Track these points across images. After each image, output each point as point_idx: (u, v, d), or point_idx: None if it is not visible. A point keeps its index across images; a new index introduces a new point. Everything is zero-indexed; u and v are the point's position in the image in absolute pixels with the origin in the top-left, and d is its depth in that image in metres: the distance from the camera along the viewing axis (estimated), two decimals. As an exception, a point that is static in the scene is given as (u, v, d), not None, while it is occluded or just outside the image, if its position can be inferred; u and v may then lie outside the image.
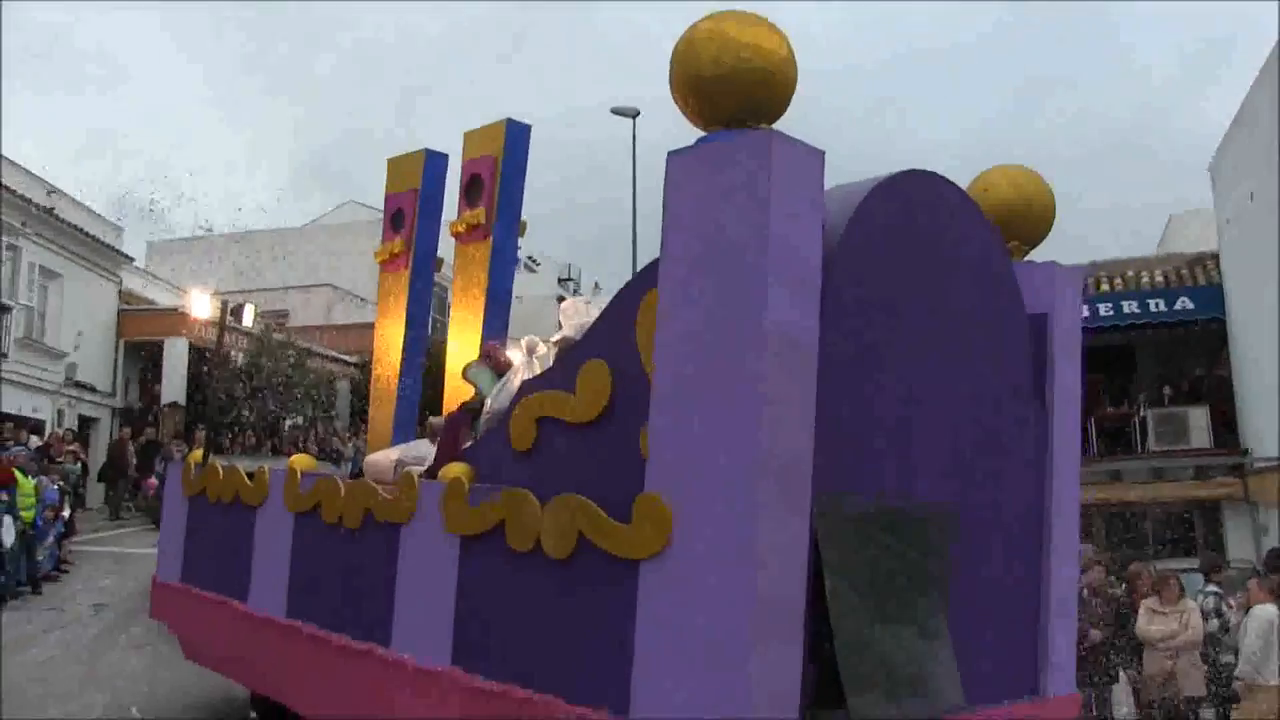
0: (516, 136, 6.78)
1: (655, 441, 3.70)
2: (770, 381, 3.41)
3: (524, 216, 6.99)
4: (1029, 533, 4.79)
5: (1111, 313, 17.59)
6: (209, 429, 12.11)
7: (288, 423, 20.05)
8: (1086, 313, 18.14)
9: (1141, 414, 17.77)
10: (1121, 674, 8.38)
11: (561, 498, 4.06)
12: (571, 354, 4.60)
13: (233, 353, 19.75)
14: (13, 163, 18.47)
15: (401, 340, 7.49)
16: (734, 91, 3.70)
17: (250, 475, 6.56)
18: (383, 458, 6.84)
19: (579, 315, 5.05)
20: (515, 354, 5.91)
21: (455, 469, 4.87)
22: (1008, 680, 4.63)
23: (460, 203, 7.03)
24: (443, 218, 7.64)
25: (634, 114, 19.50)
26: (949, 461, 4.30)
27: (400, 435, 7.45)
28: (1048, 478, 4.85)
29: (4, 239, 16.87)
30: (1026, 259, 5.26)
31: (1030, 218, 5.16)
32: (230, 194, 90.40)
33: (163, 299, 22.75)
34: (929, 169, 4.39)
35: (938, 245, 4.32)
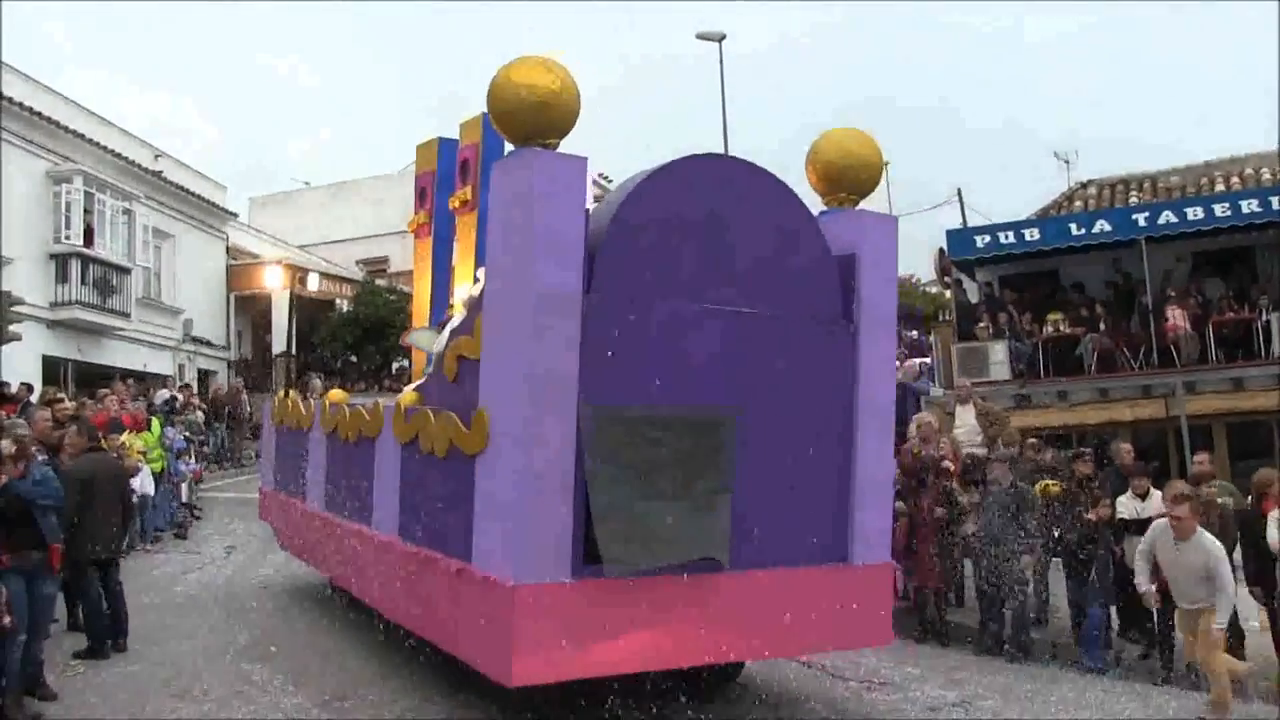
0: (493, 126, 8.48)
1: (482, 370, 5.47)
2: (538, 325, 5.10)
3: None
4: (837, 430, 6.15)
5: (1229, 213, 17.23)
6: (299, 375, 13.89)
7: (395, 366, 22.20)
8: (1201, 214, 17.98)
9: (1265, 318, 17.45)
10: (1243, 589, 8.29)
11: (441, 413, 5.89)
12: (474, 307, 6.36)
13: (337, 300, 21.87)
14: (121, 129, 20.83)
15: (429, 298, 9.44)
16: (521, 119, 5.33)
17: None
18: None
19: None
20: None
21: (407, 396, 6.81)
22: (815, 549, 6.07)
23: (457, 182, 8.83)
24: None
25: (720, 37, 20.61)
26: (736, 376, 5.75)
27: (431, 377, 9.44)
28: (855, 384, 6.16)
29: (119, 203, 19.26)
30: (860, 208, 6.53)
31: (850, 173, 6.45)
32: (359, 140, 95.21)
33: (268, 252, 24.82)
34: (716, 152, 5.80)
35: (720, 212, 5.76)
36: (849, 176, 6.45)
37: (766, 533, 5.84)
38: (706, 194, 5.72)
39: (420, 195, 9.63)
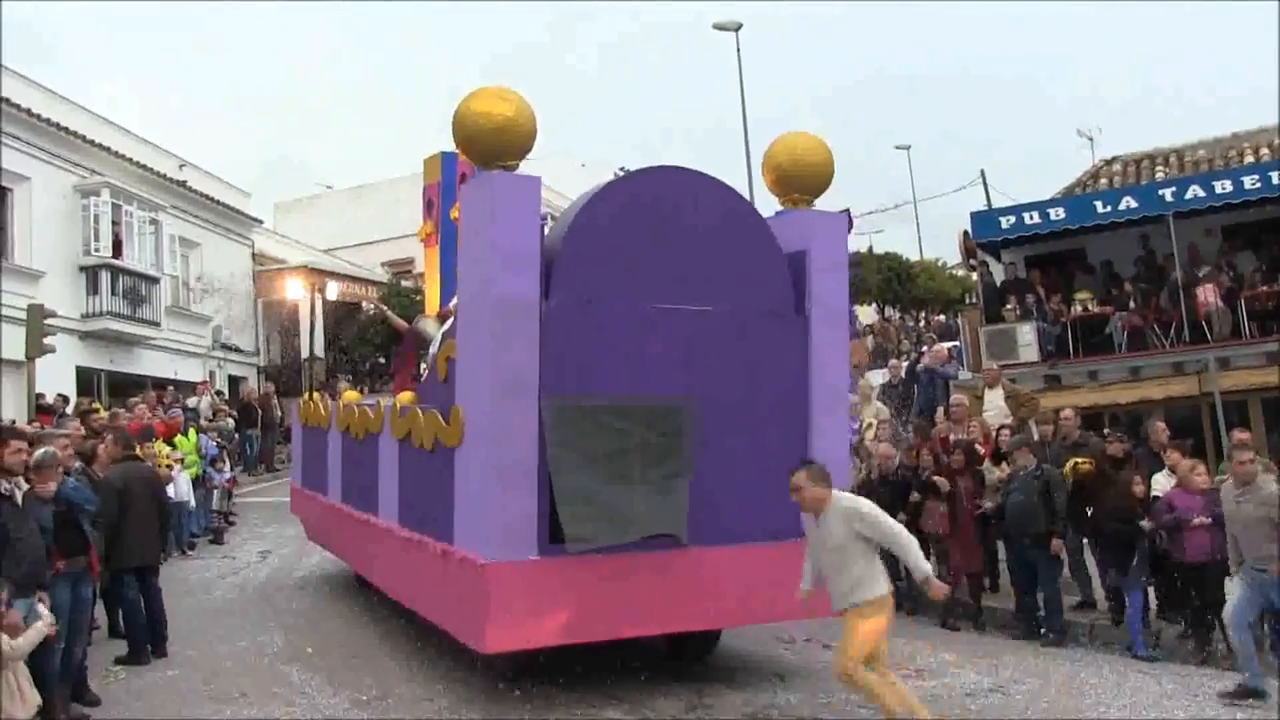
0: None
1: (458, 370, 6.29)
2: (498, 328, 5.91)
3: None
4: (792, 415, 6.86)
5: (1258, 185, 17.35)
6: (327, 377, 14.61)
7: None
8: (1230, 187, 18.26)
9: (1300, 291, 17.60)
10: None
11: (427, 412, 6.72)
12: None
13: (363, 303, 22.64)
14: (144, 139, 21.56)
15: (438, 300, 10.32)
16: (480, 144, 6.18)
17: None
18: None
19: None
20: None
21: (405, 396, 7.68)
22: (772, 526, 6.77)
23: (458, 193, 9.67)
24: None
25: (736, 27, 21.19)
26: (692, 369, 6.51)
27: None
28: (809, 372, 6.87)
29: (146, 214, 20.07)
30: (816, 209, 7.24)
31: (801, 175, 7.19)
32: (360, 140, 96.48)
33: (293, 257, 25.53)
34: (667, 164, 6.57)
35: (673, 219, 6.53)
36: (800, 179, 7.19)
37: (725, 511, 6.58)
38: (659, 203, 6.49)
39: (427, 206, 10.52)
